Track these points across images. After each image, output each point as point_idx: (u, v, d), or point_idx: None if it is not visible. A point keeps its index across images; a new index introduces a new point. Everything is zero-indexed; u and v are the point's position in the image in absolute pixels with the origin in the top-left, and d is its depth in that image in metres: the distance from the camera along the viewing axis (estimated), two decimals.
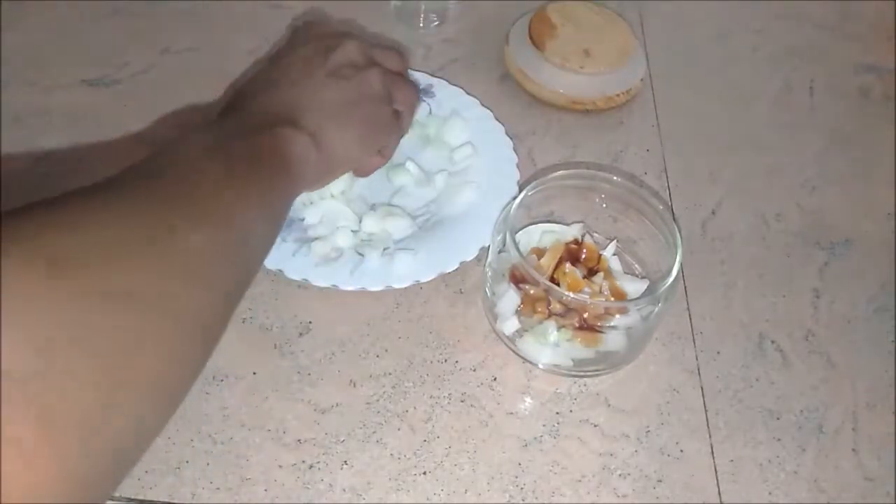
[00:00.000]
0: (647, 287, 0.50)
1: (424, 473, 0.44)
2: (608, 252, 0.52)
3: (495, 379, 0.48)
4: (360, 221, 0.53)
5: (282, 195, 0.41)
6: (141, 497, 0.42)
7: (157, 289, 0.29)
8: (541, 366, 0.48)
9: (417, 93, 0.53)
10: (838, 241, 0.58)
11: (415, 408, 0.47)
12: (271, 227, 0.40)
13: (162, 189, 0.34)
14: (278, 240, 0.50)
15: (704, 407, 0.48)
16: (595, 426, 0.47)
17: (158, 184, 0.34)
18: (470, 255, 0.51)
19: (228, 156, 0.38)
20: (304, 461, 0.44)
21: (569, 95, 0.63)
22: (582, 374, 0.48)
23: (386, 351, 0.49)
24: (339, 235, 0.51)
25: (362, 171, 0.52)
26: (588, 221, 0.55)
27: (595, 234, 0.54)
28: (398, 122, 0.50)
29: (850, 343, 0.52)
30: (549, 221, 0.54)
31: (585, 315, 0.46)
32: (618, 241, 0.53)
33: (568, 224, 0.54)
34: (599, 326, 0.47)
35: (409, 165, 0.56)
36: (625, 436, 0.47)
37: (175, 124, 0.59)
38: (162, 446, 0.44)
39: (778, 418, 0.48)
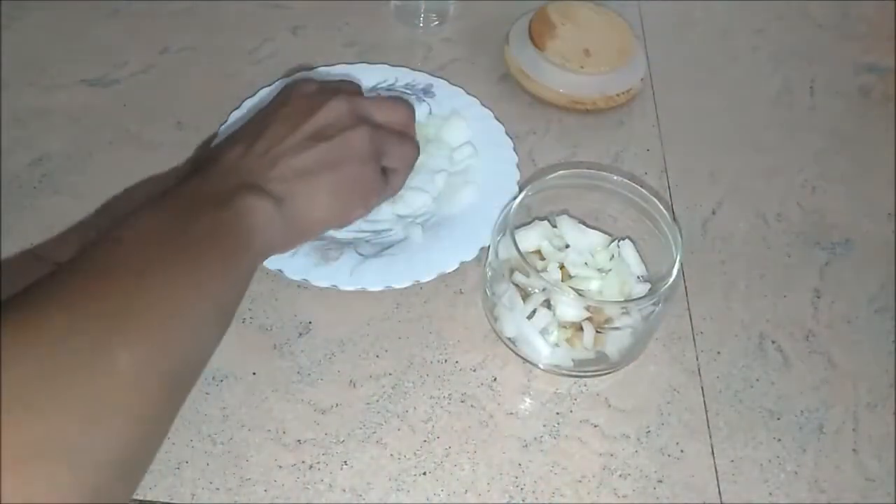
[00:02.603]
0: (648, 287, 0.50)
1: (424, 474, 0.44)
2: (626, 251, 0.52)
3: (495, 379, 0.48)
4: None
5: (241, 271, 0.40)
6: (141, 497, 0.42)
7: (74, 439, 0.29)
8: (541, 366, 0.48)
9: (416, 149, 0.50)
10: (838, 241, 0.58)
11: (415, 408, 0.47)
12: (227, 309, 0.39)
13: (103, 295, 0.32)
14: None
15: (705, 407, 0.48)
16: (595, 426, 0.47)
17: (99, 286, 0.32)
18: (470, 255, 0.51)
19: (179, 240, 0.36)
20: (303, 461, 0.44)
21: (569, 95, 0.63)
22: (582, 374, 0.48)
23: (386, 351, 0.49)
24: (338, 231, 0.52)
25: (339, 225, 0.48)
26: (588, 221, 0.54)
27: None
28: (386, 180, 0.48)
29: (850, 343, 0.52)
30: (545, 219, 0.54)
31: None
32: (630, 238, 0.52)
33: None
34: (600, 327, 0.47)
35: None
36: (625, 436, 0.47)
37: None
38: (162, 446, 0.44)
39: (778, 418, 0.48)
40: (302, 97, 0.46)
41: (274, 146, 0.43)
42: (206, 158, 0.43)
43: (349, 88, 0.48)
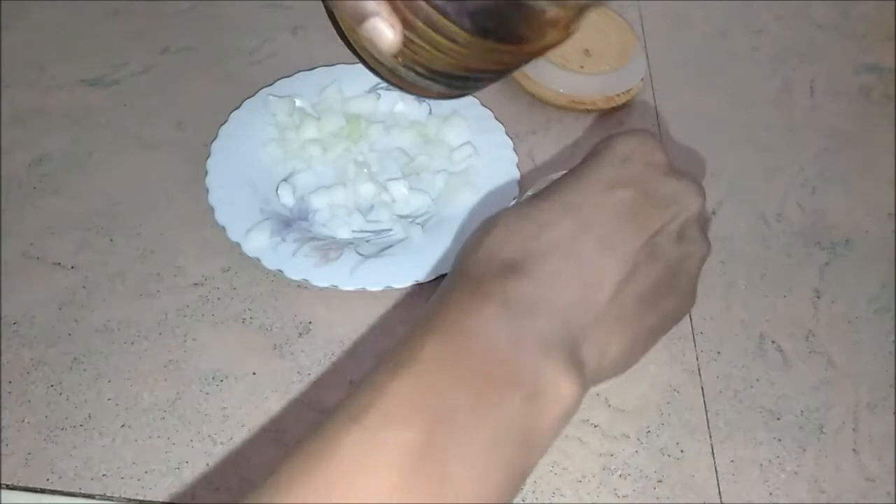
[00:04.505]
0: None
1: None
2: None
3: None
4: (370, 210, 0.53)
5: (522, 475, 0.27)
6: (141, 497, 0.42)
7: None
8: None
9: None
10: (839, 241, 0.58)
11: None
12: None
13: None
14: (278, 239, 0.51)
15: (705, 407, 0.48)
16: (595, 426, 0.47)
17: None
18: None
19: (443, 457, 0.24)
20: None
21: (569, 95, 0.63)
22: None
23: (386, 351, 0.49)
24: (340, 228, 0.52)
25: None
26: None
27: None
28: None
29: (850, 343, 0.52)
30: None
31: None
32: None
33: None
34: None
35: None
36: (625, 436, 0.47)
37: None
38: (162, 446, 0.44)
39: (778, 418, 0.48)
40: (645, 165, 0.31)
41: (593, 256, 0.28)
42: (480, 260, 0.28)
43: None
